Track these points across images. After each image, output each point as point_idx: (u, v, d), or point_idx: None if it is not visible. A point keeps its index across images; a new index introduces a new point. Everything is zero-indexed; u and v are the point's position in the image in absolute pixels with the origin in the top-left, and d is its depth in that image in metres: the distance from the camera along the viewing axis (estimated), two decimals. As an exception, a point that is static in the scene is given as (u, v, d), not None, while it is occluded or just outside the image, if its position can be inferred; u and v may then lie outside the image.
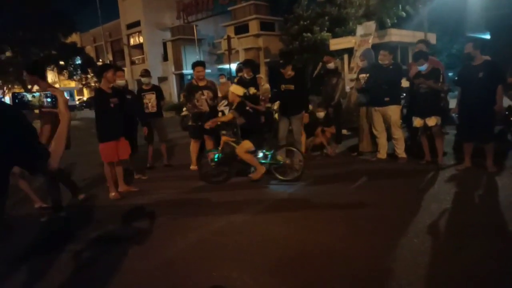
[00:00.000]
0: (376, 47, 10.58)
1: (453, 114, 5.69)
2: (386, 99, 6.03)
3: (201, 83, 6.44)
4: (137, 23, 32.31)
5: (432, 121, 5.55)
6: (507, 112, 6.08)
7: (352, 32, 15.97)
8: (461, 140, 5.45)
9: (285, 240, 3.50)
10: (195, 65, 6.51)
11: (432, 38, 12.32)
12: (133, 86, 32.74)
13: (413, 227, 3.58)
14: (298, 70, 6.36)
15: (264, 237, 3.62)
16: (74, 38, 33.86)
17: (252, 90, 6.42)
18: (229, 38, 17.17)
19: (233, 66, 21.05)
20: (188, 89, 6.59)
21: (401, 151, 6.14)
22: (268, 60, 24.21)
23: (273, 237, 3.60)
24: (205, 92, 6.40)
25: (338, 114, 7.59)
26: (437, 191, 4.61)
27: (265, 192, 5.20)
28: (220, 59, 29.22)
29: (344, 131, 8.50)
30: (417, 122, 5.76)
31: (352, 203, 4.39)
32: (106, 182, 5.50)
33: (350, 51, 12.03)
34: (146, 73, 7.14)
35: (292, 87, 6.01)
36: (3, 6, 23.81)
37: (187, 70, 28.51)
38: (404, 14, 11.78)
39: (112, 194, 5.37)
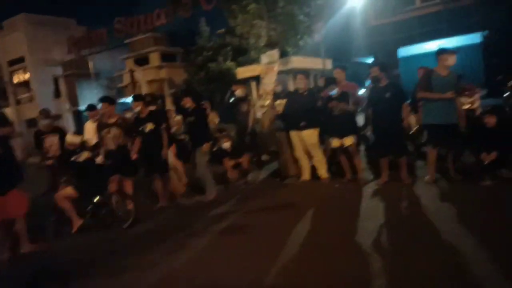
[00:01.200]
0: (281, 74, 11.07)
1: (368, 133, 6.08)
2: (302, 123, 6.17)
3: (110, 120, 5.89)
4: (21, 59, 29.24)
5: (349, 141, 5.84)
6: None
7: (254, 61, 16.57)
8: (377, 156, 5.81)
9: (235, 279, 3.23)
10: (99, 101, 5.98)
11: (329, 63, 13.34)
12: (22, 128, 29.31)
13: (357, 250, 3.59)
14: (198, 101, 6.38)
15: (212, 280, 3.30)
16: None
17: (149, 126, 5.92)
18: (131, 71, 16.44)
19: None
20: (98, 127, 6.03)
21: (323, 172, 6.31)
22: (173, 90, 23.77)
23: (222, 277, 3.31)
24: (112, 130, 5.81)
25: (255, 140, 7.63)
26: (368, 208, 4.77)
27: (190, 233, 4.83)
28: (120, 93, 27.82)
29: (264, 157, 8.54)
30: (334, 142, 6.01)
31: (285, 230, 4.28)
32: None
33: (257, 79, 12.35)
34: (46, 114, 6.35)
35: (193, 119, 6.06)
36: None
37: (84, 106, 26.50)
38: (301, 43, 12.61)
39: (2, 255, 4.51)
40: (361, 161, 6.07)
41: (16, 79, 30.64)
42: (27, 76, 29.61)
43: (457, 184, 5.16)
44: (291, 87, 6.94)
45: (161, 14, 20.73)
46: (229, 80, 17.35)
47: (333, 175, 6.36)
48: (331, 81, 5.92)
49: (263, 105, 10.44)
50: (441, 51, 4.99)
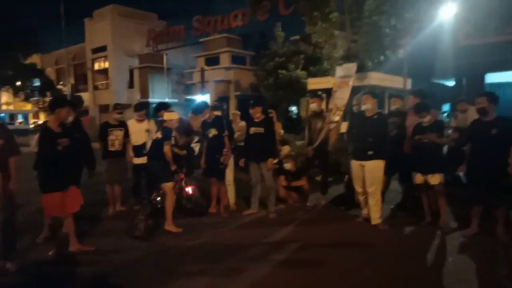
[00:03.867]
0: (355, 90, 10.27)
1: (461, 173, 5.19)
2: (370, 152, 5.14)
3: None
4: (103, 48, 31.14)
5: (435, 179, 4.99)
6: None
7: (326, 72, 15.84)
8: (469, 202, 4.90)
9: None
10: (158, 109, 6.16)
11: (409, 83, 12.26)
12: (95, 112, 31.19)
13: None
14: (267, 113, 6.16)
15: None
16: (35, 59, 32.12)
17: (213, 132, 5.95)
18: (202, 70, 16.54)
19: (202, 98, 20.38)
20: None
21: (377, 216, 5.20)
22: (238, 93, 23.78)
23: None
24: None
25: (325, 160, 6.94)
26: (456, 266, 3.94)
27: (245, 257, 4.33)
28: (188, 90, 28.49)
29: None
30: (417, 178, 5.18)
31: (351, 274, 3.63)
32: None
33: (327, 91, 11.66)
34: (122, 109, 6.45)
35: (262, 130, 5.77)
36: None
37: (153, 99, 27.53)
38: (382, 58, 11.70)
39: (49, 253, 4.41)
40: (446, 204, 5.17)
41: (97, 66, 32.70)
42: (107, 64, 31.45)
43: None
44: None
45: (238, 15, 20.77)
46: (298, 89, 16.82)
47: (408, 215, 5.54)
48: (423, 107, 5.11)
49: (332, 121, 9.78)
50: None
